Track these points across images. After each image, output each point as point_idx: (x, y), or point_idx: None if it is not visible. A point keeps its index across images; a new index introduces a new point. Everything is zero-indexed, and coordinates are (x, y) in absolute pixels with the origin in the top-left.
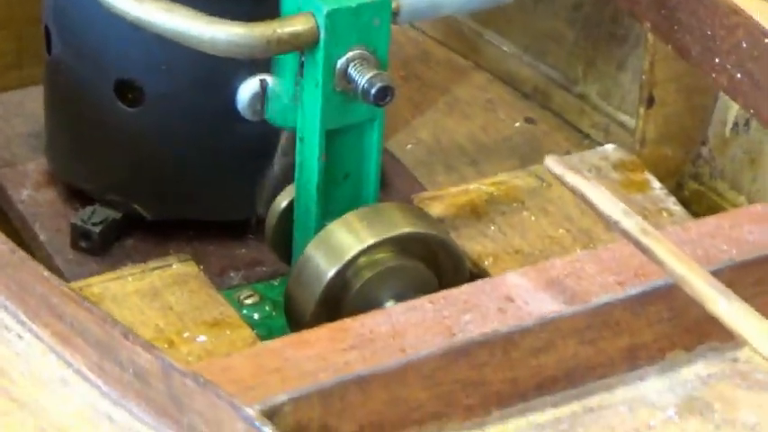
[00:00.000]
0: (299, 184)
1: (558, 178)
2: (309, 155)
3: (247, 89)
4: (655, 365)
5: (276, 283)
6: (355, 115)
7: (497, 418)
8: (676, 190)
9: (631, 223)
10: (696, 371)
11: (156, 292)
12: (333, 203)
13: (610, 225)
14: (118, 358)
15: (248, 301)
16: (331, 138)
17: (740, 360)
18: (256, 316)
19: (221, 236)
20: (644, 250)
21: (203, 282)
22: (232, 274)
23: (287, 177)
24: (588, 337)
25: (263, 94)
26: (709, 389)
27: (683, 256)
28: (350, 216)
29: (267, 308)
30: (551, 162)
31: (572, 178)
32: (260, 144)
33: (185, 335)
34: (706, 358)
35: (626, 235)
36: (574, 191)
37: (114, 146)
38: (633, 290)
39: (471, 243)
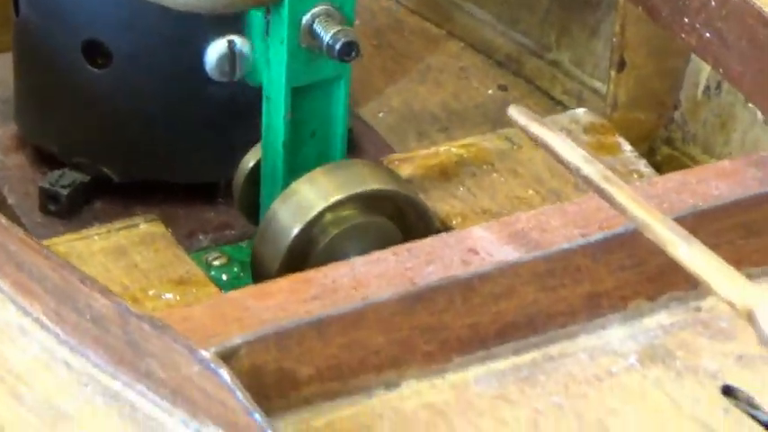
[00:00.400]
0: (265, 142)
1: (522, 128)
2: (276, 113)
3: (215, 50)
4: (617, 314)
5: (244, 245)
6: (321, 72)
7: (457, 364)
8: (649, 154)
9: (593, 170)
10: (659, 320)
11: (122, 251)
12: (299, 162)
13: (572, 172)
14: (75, 304)
15: (216, 263)
16: (297, 96)
17: (703, 309)
18: (224, 277)
19: (190, 199)
20: (605, 197)
21: (170, 241)
22: (201, 237)
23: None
24: (549, 283)
25: (231, 56)
26: (671, 337)
27: (644, 202)
28: (315, 173)
29: (235, 269)
30: (515, 112)
31: (535, 128)
32: (229, 106)
33: (151, 292)
34: (669, 308)
35: (587, 182)
36: (537, 140)
37: (82, 108)
38: (594, 237)
39: (440, 203)
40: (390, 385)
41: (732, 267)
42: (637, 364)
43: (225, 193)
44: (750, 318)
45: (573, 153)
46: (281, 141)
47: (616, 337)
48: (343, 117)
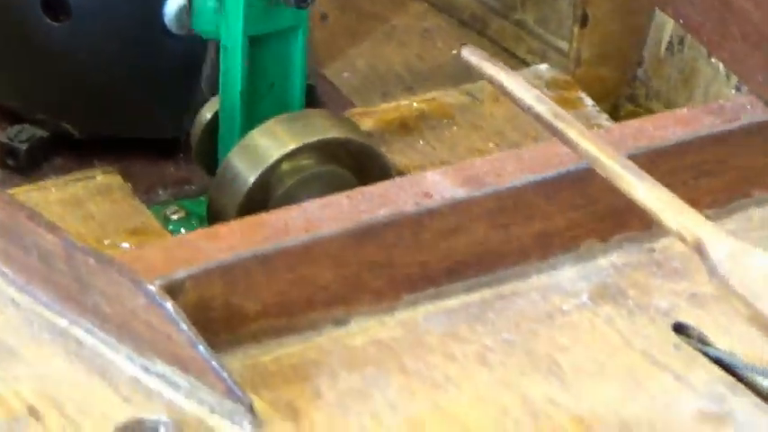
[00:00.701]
0: (223, 94)
1: (475, 68)
2: (233, 63)
3: (174, 2)
4: (569, 254)
5: (203, 200)
6: (279, 21)
7: (407, 302)
8: (612, 111)
9: (544, 108)
10: (611, 260)
11: (79, 202)
12: (257, 114)
13: (524, 110)
14: (23, 242)
15: (175, 217)
16: (255, 46)
17: (656, 250)
18: (183, 231)
19: (150, 154)
20: (556, 133)
21: (127, 192)
22: (160, 192)
23: (214, 92)
24: (499, 221)
25: (189, 7)
26: (623, 277)
27: (595, 138)
28: (273, 122)
29: (194, 223)
30: (467, 52)
31: (488, 67)
32: (188, 60)
33: (106, 242)
34: (622, 248)
35: (539, 119)
36: (491, 80)
37: (41, 62)
38: (544, 174)
39: (399, 156)
40: (339, 322)
41: (682, 201)
42: (588, 303)
43: (185, 149)
44: (700, 250)
45: (525, 91)
46: (238, 92)
47: (568, 277)
48: (301, 68)
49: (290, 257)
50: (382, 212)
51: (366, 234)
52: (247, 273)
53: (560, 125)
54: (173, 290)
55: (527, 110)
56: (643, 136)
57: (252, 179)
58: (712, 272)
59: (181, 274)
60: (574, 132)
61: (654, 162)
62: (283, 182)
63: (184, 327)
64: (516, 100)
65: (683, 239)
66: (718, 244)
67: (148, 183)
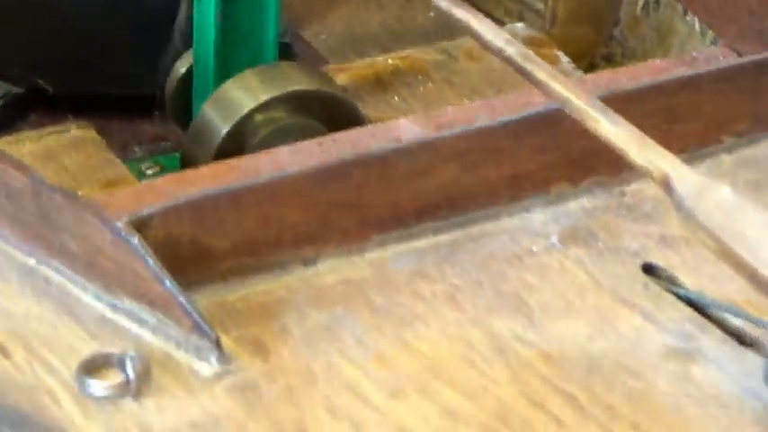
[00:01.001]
0: (197, 47)
1: (445, 12)
2: (206, 15)
3: None
4: (540, 197)
5: (179, 155)
6: None
7: (376, 243)
8: (588, 70)
9: (514, 50)
10: (582, 204)
11: (52, 154)
12: (231, 67)
13: (495, 53)
14: None
15: (150, 172)
16: None
17: (627, 194)
18: None
19: (126, 111)
20: (526, 75)
21: (100, 145)
22: (135, 149)
23: (188, 47)
24: (469, 162)
25: None
26: (594, 220)
27: (565, 79)
28: (246, 73)
29: None
30: None
31: (459, 12)
32: (165, 15)
33: (80, 193)
34: (592, 192)
35: (509, 62)
36: (461, 24)
37: (14, 17)
38: (515, 116)
39: (373, 111)
40: (308, 262)
41: (650, 139)
42: (558, 245)
43: (161, 106)
44: (666, 185)
45: (495, 35)
46: (211, 44)
47: (538, 220)
48: (274, 21)
49: (257, 195)
50: (350, 152)
51: (334, 173)
52: (215, 210)
53: (529, 66)
54: (140, 226)
55: (497, 53)
56: (615, 83)
57: (224, 130)
58: (679, 206)
59: (148, 210)
60: (543, 73)
61: (625, 106)
62: (256, 133)
63: (150, 262)
64: (486, 43)
65: (649, 175)
66: (685, 179)
67: (124, 140)
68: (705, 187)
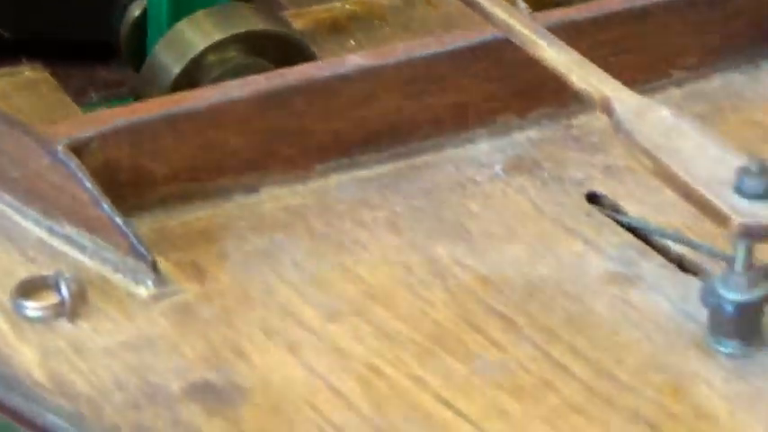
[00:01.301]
0: None
1: None
2: None
3: None
4: (485, 128)
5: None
6: None
7: (319, 172)
8: None
9: None
10: (528, 135)
11: (5, 96)
12: (184, 9)
13: None
14: None
15: None
16: None
17: (574, 126)
18: None
19: (83, 57)
20: (473, 5)
21: (54, 87)
22: (92, 95)
23: None
24: (413, 90)
25: None
26: (539, 150)
27: (512, 9)
28: (199, 14)
29: None
30: None
31: None
32: None
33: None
34: (539, 124)
35: None
36: None
37: None
38: (458, 43)
39: (329, 55)
40: (250, 190)
41: (591, 63)
42: (502, 174)
43: (117, 51)
44: (606, 107)
45: None
46: None
47: (483, 150)
48: None
49: (197, 120)
50: (292, 78)
51: (275, 99)
52: (155, 134)
53: None
54: (79, 150)
55: None
56: (565, 16)
57: (177, 70)
58: (617, 127)
59: (87, 133)
60: (489, 3)
61: (572, 38)
62: (209, 73)
63: (88, 185)
64: None
65: (590, 96)
66: (625, 101)
67: (80, 85)
68: (644, 108)
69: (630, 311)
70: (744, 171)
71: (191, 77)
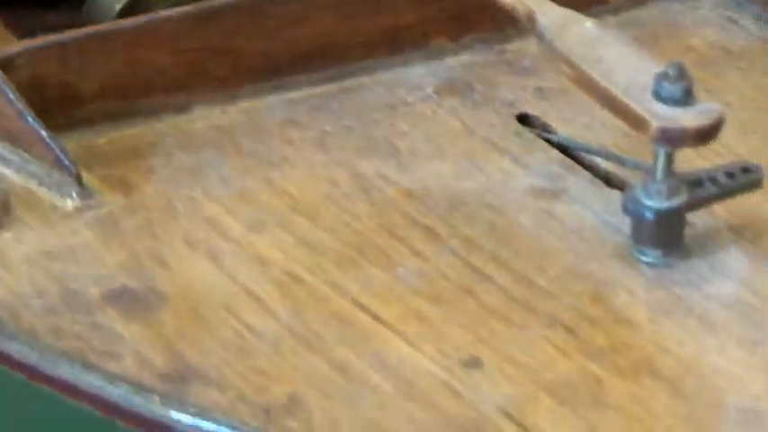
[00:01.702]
0: None
1: None
2: None
3: None
4: (418, 52)
5: None
6: None
7: (249, 92)
8: None
9: None
10: (461, 59)
11: None
12: None
13: None
14: None
15: None
16: None
17: (509, 51)
18: None
19: (32, 2)
20: None
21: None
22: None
23: None
24: (346, 12)
25: None
26: (472, 73)
27: None
28: None
29: None
30: None
31: None
32: None
33: None
34: (473, 48)
35: None
36: None
37: None
38: None
39: None
40: (180, 109)
41: None
42: (433, 96)
43: None
44: (531, 19)
45: None
46: None
47: (416, 74)
48: None
49: (126, 37)
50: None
51: (204, 17)
52: (82, 50)
53: None
54: (5, 65)
55: None
56: None
57: (118, 6)
58: (541, 38)
59: (14, 49)
60: None
61: None
62: (151, 11)
63: (13, 98)
64: None
65: (514, 10)
66: (549, 13)
67: (29, 28)
68: (568, 20)
69: (554, 223)
70: (662, 76)
71: (132, 15)
